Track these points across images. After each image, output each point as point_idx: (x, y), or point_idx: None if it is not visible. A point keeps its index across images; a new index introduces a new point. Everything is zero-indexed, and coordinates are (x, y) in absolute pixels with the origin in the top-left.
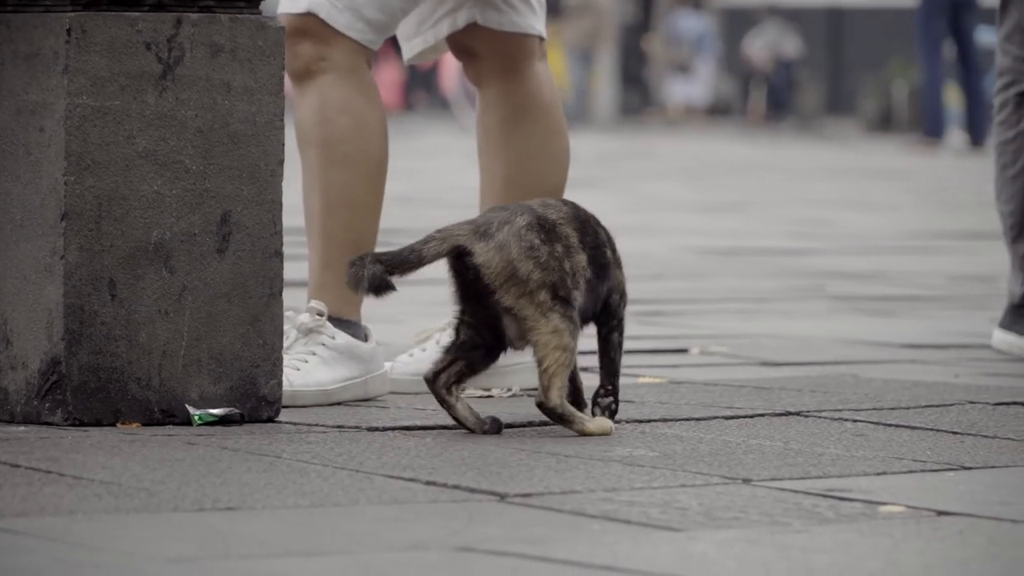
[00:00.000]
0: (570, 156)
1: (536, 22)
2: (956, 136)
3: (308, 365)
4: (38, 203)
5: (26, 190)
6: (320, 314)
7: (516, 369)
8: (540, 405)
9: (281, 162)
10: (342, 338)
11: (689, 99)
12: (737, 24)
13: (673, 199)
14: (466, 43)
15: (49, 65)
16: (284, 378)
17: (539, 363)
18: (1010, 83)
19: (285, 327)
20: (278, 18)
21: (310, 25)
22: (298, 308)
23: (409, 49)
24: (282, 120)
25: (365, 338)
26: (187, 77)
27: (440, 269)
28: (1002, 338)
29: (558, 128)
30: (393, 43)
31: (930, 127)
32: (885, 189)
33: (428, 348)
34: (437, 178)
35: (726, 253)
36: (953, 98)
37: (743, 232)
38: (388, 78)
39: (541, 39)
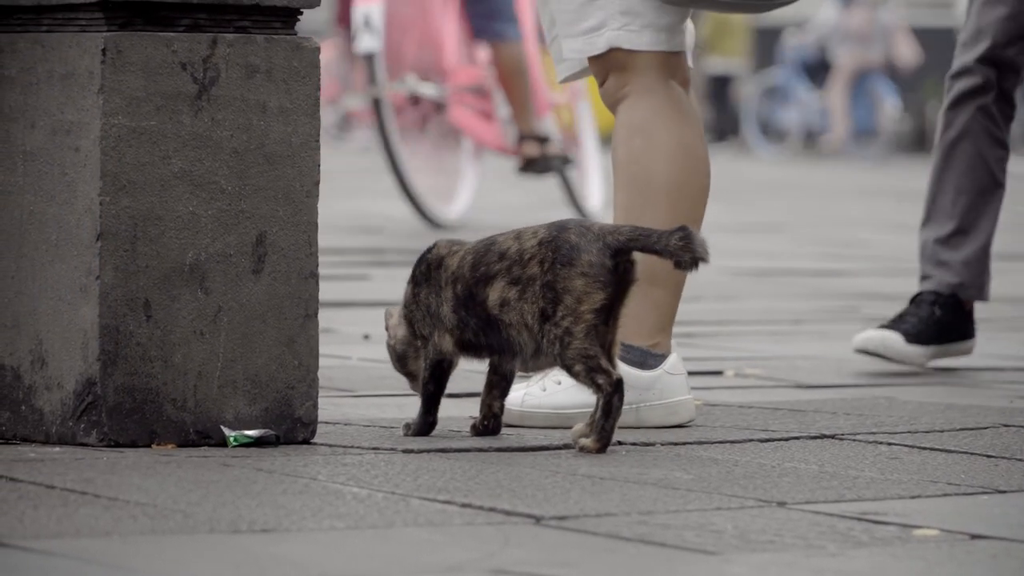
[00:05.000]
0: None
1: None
2: None
3: (558, 387)
4: (74, 223)
5: (61, 210)
6: None
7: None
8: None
9: (317, 183)
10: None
11: (805, 127)
12: None
13: (707, 220)
14: None
15: (84, 85)
16: (522, 397)
17: (615, 346)
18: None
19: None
20: (312, 39)
21: (615, 59)
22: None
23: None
24: (317, 141)
25: (651, 366)
26: (222, 97)
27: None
28: None
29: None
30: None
31: None
32: (919, 210)
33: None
34: None
35: (760, 274)
36: None
37: (777, 253)
38: None
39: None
